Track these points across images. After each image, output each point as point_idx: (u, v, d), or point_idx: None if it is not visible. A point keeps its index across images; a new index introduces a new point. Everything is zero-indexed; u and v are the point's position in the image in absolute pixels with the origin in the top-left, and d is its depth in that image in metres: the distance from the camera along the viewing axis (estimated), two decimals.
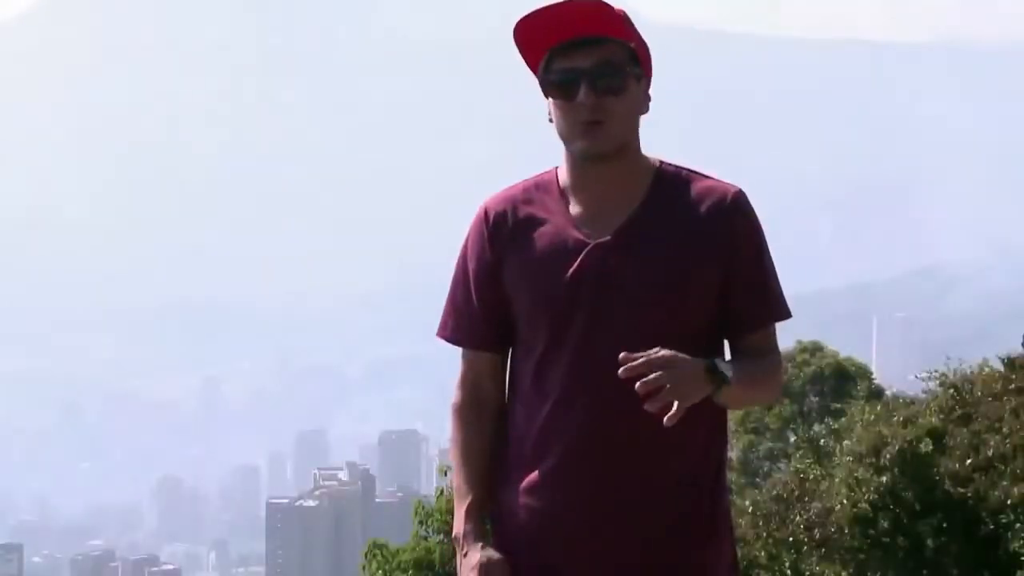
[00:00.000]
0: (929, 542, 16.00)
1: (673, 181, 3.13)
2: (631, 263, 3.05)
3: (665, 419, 2.80)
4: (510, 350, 3.25)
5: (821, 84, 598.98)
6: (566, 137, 3.10)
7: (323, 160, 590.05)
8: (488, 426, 3.21)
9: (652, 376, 2.80)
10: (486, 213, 3.21)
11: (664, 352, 2.85)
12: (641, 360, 2.82)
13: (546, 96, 3.11)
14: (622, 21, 3.06)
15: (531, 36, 3.07)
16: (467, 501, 3.13)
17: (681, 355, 2.86)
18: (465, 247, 3.24)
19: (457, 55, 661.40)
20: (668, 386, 2.80)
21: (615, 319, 3.04)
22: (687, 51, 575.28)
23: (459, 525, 3.12)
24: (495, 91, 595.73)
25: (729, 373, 2.95)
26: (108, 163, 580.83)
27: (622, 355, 2.84)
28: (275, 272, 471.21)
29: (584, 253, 3.07)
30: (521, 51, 3.09)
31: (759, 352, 3.13)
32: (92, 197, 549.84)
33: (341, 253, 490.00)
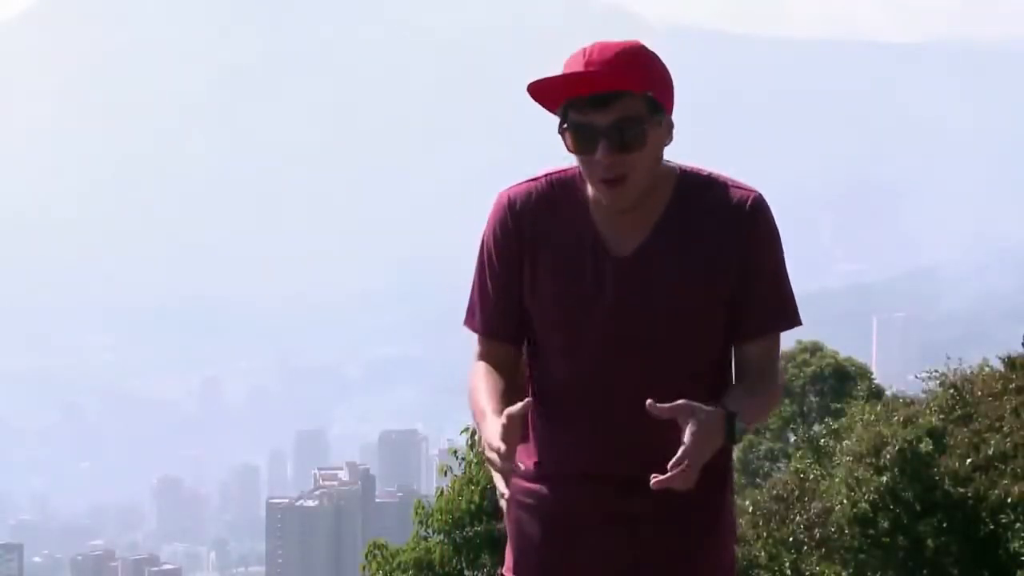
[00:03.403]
0: (929, 542, 16.00)
1: (693, 190, 3.14)
2: (650, 279, 3.09)
3: (679, 484, 2.85)
4: (525, 348, 3.32)
5: (821, 84, 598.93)
6: (589, 183, 3.12)
7: (323, 160, 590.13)
8: (505, 382, 3.22)
9: (683, 472, 2.84)
10: (509, 203, 3.20)
11: (693, 432, 2.88)
12: (676, 466, 2.84)
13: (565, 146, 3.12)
14: (636, 70, 2.99)
15: (545, 95, 3.03)
16: (488, 416, 3.09)
17: (703, 417, 2.91)
18: (487, 236, 3.24)
19: (458, 56, 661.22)
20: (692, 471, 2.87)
21: (632, 338, 3.10)
22: (687, 51, 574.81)
23: (483, 432, 3.08)
24: (496, 92, 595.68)
25: (741, 424, 3.00)
26: (108, 162, 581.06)
27: (649, 403, 2.89)
28: (275, 272, 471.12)
29: (606, 266, 3.11)
30: (538, 103, 3.06)
31: (759, 361, 3.19)
32: (92, 197, 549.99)
33: (341, 253, 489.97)
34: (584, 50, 2.99)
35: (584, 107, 2.98)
